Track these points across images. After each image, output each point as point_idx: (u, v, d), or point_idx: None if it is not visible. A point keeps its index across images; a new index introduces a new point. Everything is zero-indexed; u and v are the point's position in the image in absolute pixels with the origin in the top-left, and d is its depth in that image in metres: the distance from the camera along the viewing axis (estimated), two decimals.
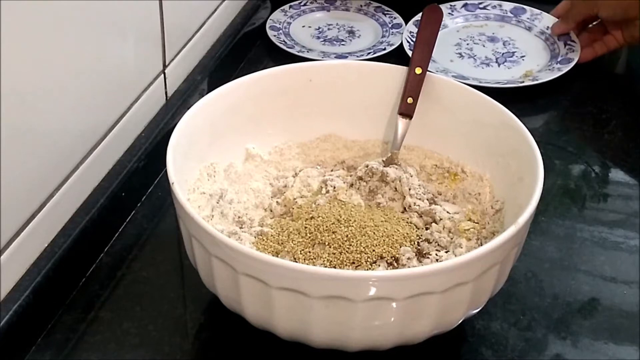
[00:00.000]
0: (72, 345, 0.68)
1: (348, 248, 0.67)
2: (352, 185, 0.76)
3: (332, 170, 0.80)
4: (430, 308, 0.60)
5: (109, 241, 0.78)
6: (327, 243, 0.68)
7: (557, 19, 1.11)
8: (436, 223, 0.73)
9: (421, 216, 0.73)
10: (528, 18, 1.16)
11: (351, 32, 1.13)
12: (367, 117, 0.81)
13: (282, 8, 1.16)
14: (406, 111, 0.78)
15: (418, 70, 0.78)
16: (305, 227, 0.70)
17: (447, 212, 0.74)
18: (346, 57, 1.06)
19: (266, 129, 0.79)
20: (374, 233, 0.69)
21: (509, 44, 1.13)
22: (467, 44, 1.12)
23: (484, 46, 1.12)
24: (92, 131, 0.76)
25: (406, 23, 1.12)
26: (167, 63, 0.90)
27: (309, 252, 0.68)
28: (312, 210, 0.72)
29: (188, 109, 0.72)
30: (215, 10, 1.02)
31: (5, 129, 0.61)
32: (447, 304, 0.61)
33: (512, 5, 1.18)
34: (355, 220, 0.69)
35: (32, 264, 0.69)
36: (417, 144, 0.80)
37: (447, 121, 0.78)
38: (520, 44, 1.13)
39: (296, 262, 0.66)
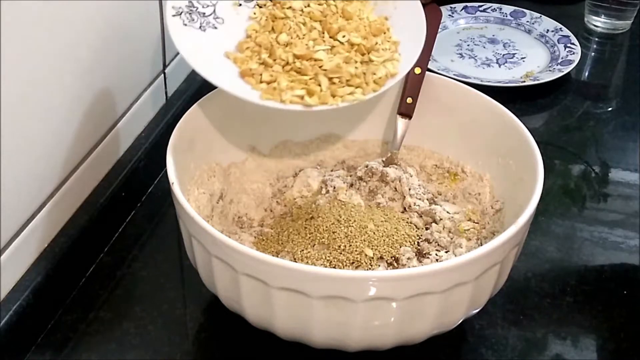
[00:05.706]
0: (72, 345, 0.68)
1: (348, 248, 0.67)
2: (352, 185, 0.76)
3: (332, 170, 0.80)
4: (430, 308, 0.60)
5: (109, 241, 0.78)
6: (327, 243, 0.68)
7: None
8: (436, 223, 0.73)
9: (421, 216, 0.73)
10: (528, 21, 1.17)
11: None
12: (366, 117, 0.81)
13: None
14: (406, 111, 0.78)
15: (417, 70, 0.78)
16: (305, 227, 0.70)
17: (447, 212, 0.74)
18: None
19: (266, 128, 0.79)
20: (374, 233, 0.69)
21: (509, 45, 1.13)
22: (468, 45, 1.13)
23: (484, 47, 1.13)
24: (92, 131, 0.76)
25: None
26: (167, 63, 0.90)
27: (309, 252, 0.68)
28: (312, 211, 0.72)
29: (188, 108, 0.72)
30: None
31: (6, 129, 0.61)
32: (447, 304, 0.60)
33: (511, 8, 1.19)
34: (355, 220, 0.69)
35: (32, 264, 0.69)
36: (417, 144, 0.80)
37: (447, 121, 0.78)
38: (520, 46, 1.13)
39: (296, 262, 0.66)
